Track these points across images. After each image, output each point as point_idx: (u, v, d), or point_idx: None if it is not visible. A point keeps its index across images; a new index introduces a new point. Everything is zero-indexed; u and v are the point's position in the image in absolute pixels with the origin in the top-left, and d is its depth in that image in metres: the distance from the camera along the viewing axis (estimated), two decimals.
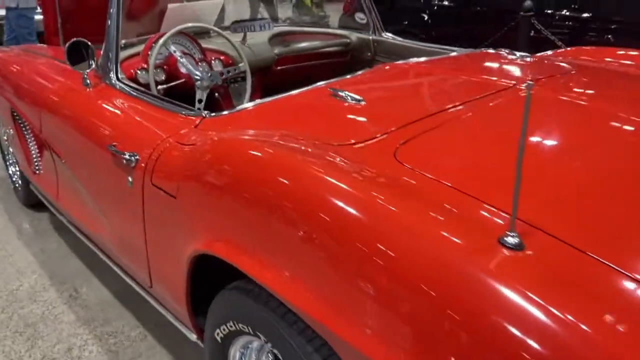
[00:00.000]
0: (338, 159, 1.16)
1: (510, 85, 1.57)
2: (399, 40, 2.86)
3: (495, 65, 1.99)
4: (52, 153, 2.33)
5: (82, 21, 3.37)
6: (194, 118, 1.62)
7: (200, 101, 2.30)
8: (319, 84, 1.72)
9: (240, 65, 2.42)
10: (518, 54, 2.08)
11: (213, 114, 1.62)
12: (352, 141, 1.27)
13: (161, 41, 2.20)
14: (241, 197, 1.20)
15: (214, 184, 1.28)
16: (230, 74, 2.39)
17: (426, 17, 4.54)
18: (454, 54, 2.19)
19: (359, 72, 1.85)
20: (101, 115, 1.92)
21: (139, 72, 2.28)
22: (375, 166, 1.13)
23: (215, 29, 2.43)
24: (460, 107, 1.43)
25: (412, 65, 1.92)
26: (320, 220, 1.01)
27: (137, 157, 1.59)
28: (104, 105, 1.98)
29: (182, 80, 2.29)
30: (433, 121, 1.35)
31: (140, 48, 2.47)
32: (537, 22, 3.35)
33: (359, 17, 3.02)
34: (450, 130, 1.32)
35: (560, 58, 2.12)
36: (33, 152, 2.62)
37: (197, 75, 2.26)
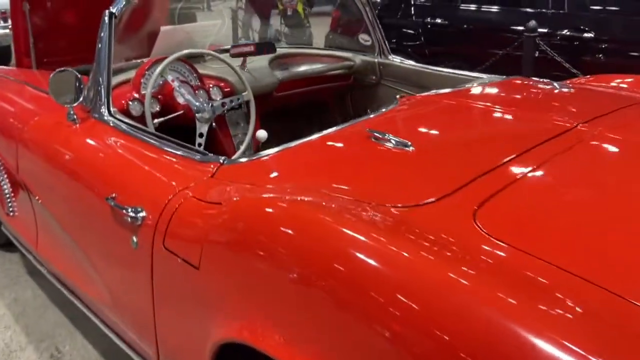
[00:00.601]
0: (411, 234, 0.94)
1: (572, 125, 1.39)
2: (407, 63, 2.69)
3: (540, 98, 1.81)
4: (30, 195, 2.05)
5: (57, 40, 3.10)
6: (209, 164, 1.39)
7: (201, 135, 2.06)
8: (351, 123, 1.51)
9: (244, 94, 2.19)
10: (555, 83, 1.91)
11: (232, 161, 1.39)
12: (416, 202, 1.05)
13: (158, 69, 1.96)
14: (286, 275, 0.98)
15: (254, 257, 1.05)
16: (234, 104, 2.16)
17: (417, 35, 4.41)
18: (480, 81, 2.02)
19: (392, 106, 1.64)
20: (93, 157, 1.66)
21: (131, 103, 2.03)
22: (460, 241, 0.93)
23: (218, 55, 2.20)
24: (526, 155, 1.24)
25: (448, 98, 1.73)
26: (402, 319, 0.80)
27: (144, 213, 1.34)
28: (95, 144, 1.72)
29: (180, 112, 2.05)
30: (503, 174, 1.15)
31: (129, 74, 2.22)
32: (543, 44, 3.24)
33: (363, 38, 2.84)
34: (529, 186, 1.12)
35: (605, 88, 1.96)
36: (6, 190, 2.32)
37: (197, 106, 2.03)
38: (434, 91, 1.83)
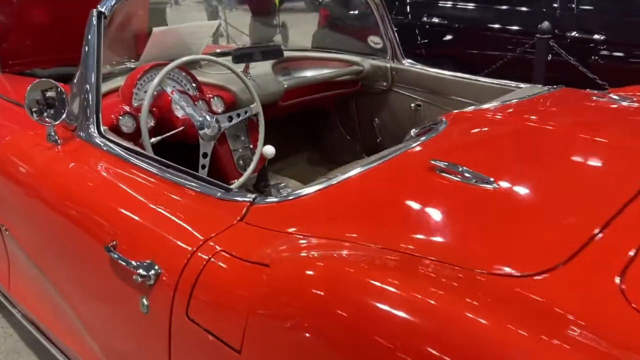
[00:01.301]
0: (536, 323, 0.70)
1: None
2: (422, 68, 2.45)
3: (617, 116, 1.56)
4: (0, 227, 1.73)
5: (24, 39, 2.75)
6: (235, 204, 1.12)
7: (205, 155, 1.77)
8: (402, 148, 1.25)
9: (252, 106, 1.91)
10: (613, 95, 1.69)
11: (265, 199, 1.12)
12: (527, 270, 0.81)
13: (157, 79, 1.66)
14: None
15: (326, 342, 0.79)
16: (241, 118, 1.88)
17: (413, 36, 4.18)
18: (522, 92, 1.78)
19: (441, 126, 1.39)
20: (82, 190, 1.36)
21: (121, 118, 1.72)
22: (610, 332, 0.69)
23: (225, 63, 1.91)
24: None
25: (506, 116, 1.49)
26: None
27: (158, 270, 1.06)
28: (84, 173, 1.42)
29: (180, 128, 1.76)
30: (628, 226, 0.91)
31: (115, 82, 1.91)
32: (558, 46, 3.06)
33: (373, 40, 2.59)
34: None
35: None
36: None
37: (200, 121, 1.74)
38: (481, 106, 1.60)
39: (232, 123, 1.83)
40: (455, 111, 1.59)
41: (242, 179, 1.89)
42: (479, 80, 2.20)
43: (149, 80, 1.85)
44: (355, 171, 1.14)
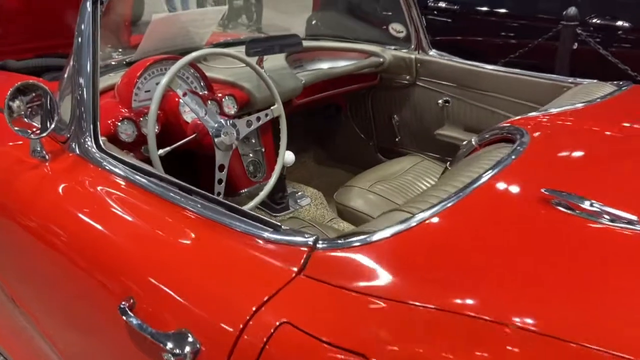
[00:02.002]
0: None
1: None
2: (451, 59, 2.19)
3: None
4: None
5: None
6: (291, 248, 0.86)
7: (222, 168, 1.49)
8: (495, 170, 1.00)
9: (273, 108, 1.63)
10: None
11: (330, 242, 0.85)
12: None
13: (165, 80, 1.38)
14: None
15: None
16: (261, 122, 1.60)
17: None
18: (596, 92, 1.54)
19: (525, 140, 1.13)
20: (80, 223, 1.08)
21: (120, 125, 1.44)
22: None
23: (244, 58, 1.61)
24: None
25: (598, 125, 1.24)
26: None
27: (195, 344, 0.80)
28: (81, 200, 1.13)
29: (192, 136, 1.48)
30: None
31: (110, 80, 1.61)
32: (585, 34, 2.83)
33: (395, 28, 2.32)
34: None
35: None
36: None
37: (215, 128, 1.46)
38: (550, 110, 1.35)
39: (251, 128, 1.56)
40: (519, 117, 1.34)
41: (262, 195, 1.62)
42: (520, 74, 1.96)
43: (151, 77, 1.56)
44: (439, 206, 0.89)
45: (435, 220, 0.86)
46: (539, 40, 3.05)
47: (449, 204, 0.89)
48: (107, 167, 1.16)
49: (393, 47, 2.32)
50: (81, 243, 1.06)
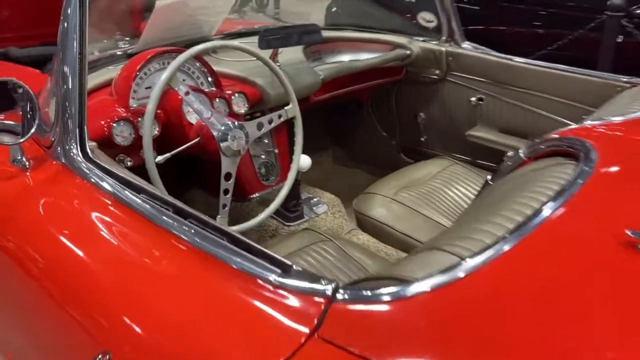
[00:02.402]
0: None
1: None
2: (486, 52, 1.98)
3: None
4: None
5: None
6: (304, 298, 0.68)
7: (229, 177, 1.32)
8: (559, 204, 0.80)
9: (288, 108, 1.45)
10: None
11: (350, 295, 0.68)
12: None
13: (166, 76, 1.20)
14: None
15: None
16: (274, 124, 1.42)
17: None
18: None
19: (592, 154, 0.93)
20: (57, 249, 0.92)
21: (115, 126, 1.27)
22: None
23: (251, 49, 1.41)
24: None
25: None
26: None
27: None
28: (60, 219, 0.97)
29: (196, 140, 1.30)
30: None
31: (107, 74, 1.45)
32: (631, 26, 2.58)
33: (425, 17, 2.11)
34: None
35: None
36: None
37: (221, 131, 1.28)
38: (617, 117, 1.15)
39: (262, 132, 1.38)
40: (576, 126, 1.14)
41: (274, 205, 1.44)
42: (566, 71, 1.75)
43: (152, 72, 1.39)
44: (494, 250, 0.70)
45: (489, 269, 0.67)
46: (580, 32, 2.81)
47: (506, 247, 0.70)
48: (92, 180, 0.99)
49: (421, 39, 2.12)
50: (58, 272, 0.90)
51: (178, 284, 0.77)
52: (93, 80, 1.40)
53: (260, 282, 0.72)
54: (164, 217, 0.85)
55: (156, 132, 1.33)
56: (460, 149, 2.17)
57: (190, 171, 1.63)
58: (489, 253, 0.69)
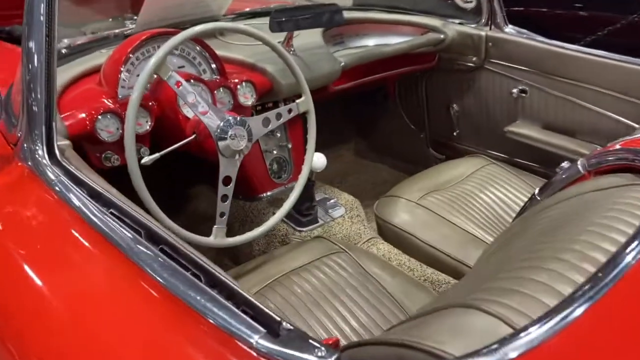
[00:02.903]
0: None
1: None
2: (532, 38, 1.74)
3: None
4: None
5: None
6: None
7: (228, 181, 1.14)
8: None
9: (299, 101, 1.26)
10: None
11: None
12: None
13: (152, 63, 1.01)
14: None
15: None
16: (282, 120, 1.23)
17: None
18: None
19: None
20: (8, 270, 0.76)
21: (100, 119, 1.10)
22: None
23: (258, 33, 1.20)
24: None
25: None
26: None
27: None
28: (21, 235, 0.82)
29: (191, 137, 1.12)
30: None
31: (99, 58, 1.28)
32: None
33: None
34: None
35: None
36: None
37: (220, 128, 1.09)
38: None
39: (268, 128, 1.19)
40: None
41: (283, 210, 1.26)
42: (628, 62, 1.51)
43: (146, 57, 1.21)
44: (559, 317, 0.50)
45: (556, 344, 0.48)
46: (636, 17, 2.52)
47: (581, 310, 0.50)
48: (57, 189, 0.83)
49: (458, 21, 1.88)
50: (6, 303, 0.74)
51: (140, 345, 0.60)
52: (81, 65, 1.24)
53: (239, 343, 0.55)
54: (132, 245, 0.68)
55: (148, 127, 1.16)
56: (498, 146, 1.95)
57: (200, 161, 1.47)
58: (554, 321, 0.49)
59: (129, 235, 0.70)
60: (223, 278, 0.62)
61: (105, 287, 0.68)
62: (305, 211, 1.52)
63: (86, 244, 0.73)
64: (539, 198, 1.00)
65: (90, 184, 0.81)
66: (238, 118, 1.11)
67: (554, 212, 0.82)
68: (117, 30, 1.42)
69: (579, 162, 0.93)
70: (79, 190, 0.80)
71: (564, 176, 0.96)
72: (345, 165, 2.36)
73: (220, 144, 1.08)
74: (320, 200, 1.63)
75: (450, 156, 2.18)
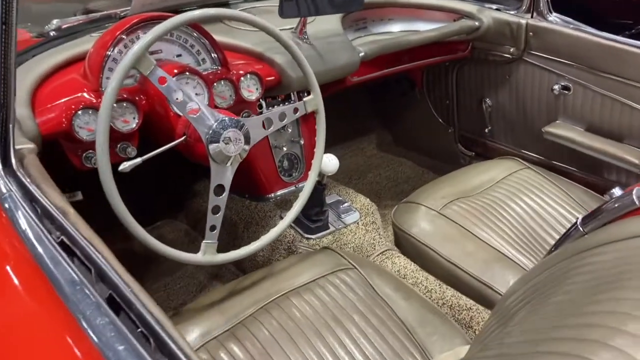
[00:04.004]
0: None
1: None
2: (579, 28, 1.54)
3: None
4: None
5: None
6: None
7: (221, 190, 1.00)
8: None
9: (307, 99, 1.10)
10: None
11: None
12: None
13: (130, 56, 0.87)
14: None
15: None
16: (286, 121, 1.08)
17: None
18: None
19: None
20: None
21: (80, 115, 0.98)
22: None
23: (260, 21, 1.03)
24: None
25: None
26: None
27: None
28: None
29: (181, 139, 0.99)
30: None
31: (88, 44, 1.14)
32: None
33: None
34: None
35: None
36: None
37: (211, 128, 0.95)
38: None
39: (269, 131, 1.04)
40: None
41: (289, 217, 1.11)
42: None
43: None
44: None
45: None
46: None
47: None
48: (6, 206, 0.71)
49: (495, 7, 1.69)
50: None
51: None
52: (67, 51, 1.11)
53: None
54: (71, 289, 0.56)
55: (134, 126, 1.03)
56: (534, 146, 1.76)
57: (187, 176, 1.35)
58: None
59: (73, 274, 0.58)
60: (177, 351, 0.48)
61: (21, 335, 0.56)
62: (314, 217, 1.39)
63: (15, 281, 0.61)
64: (582, 229, 0.84)
65: (44, 203, 0.69)
66: (235, 119, 0.97)
67: (606, 257, 0.65)
68: (112, 11, 1.29)
69: (634, 192, 0.76)
70: (29, 210, 0.68)
71: (615, 205, 0.79)
72: (366, 160, 2.21)
73: (212, 148, 0.95)
74: (332, 204, 1.49)
75: (480, 154, 2.00)
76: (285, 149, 1.49)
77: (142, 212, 1.78)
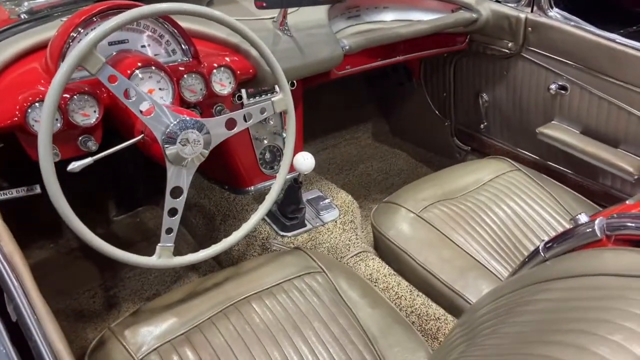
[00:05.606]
0: None
1: None
2: (580, 25, 1.45)
3: None
4: None
5: None
6: None
7: (177, 193, 0.97)
8: None
9: (276, 99, 1.05)
10: None
11: None
12: None
13: (76, 51, 0.83)
14: None
15: None
16: (251, 122, 1.03)
17: None
18: None
19: None
20: None
21: (36, 106, 0.95)
22: None
23: (221, 16, 0.97)
24: None
25: None
26: None
27: None
28: None
29: (139, 138, 0.96)
30: None
31: (48, 33, 1.10)
32: None
33: None
34: None
35: None
36: None
37: (168, 127, 0.92)
38: None
39: (233, 132, 1.00)
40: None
41: (259, 214, 1.08)
42: None
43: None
44: None
45: None
46: None
47: None
48: None
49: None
50: None
51: None
52: (31, 37, 1.07)
53: None
54: None
55: (94, 120, 1.00)
56: (529, 146, 1.70)
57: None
58: None
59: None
60: None
61: None
62: (290, 214, 1.35)
63: None
64: (543, 255, 0.79)
65: None
66: (195, 120, 0.93)
67: (557, 294, 0.61)
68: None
69: (596, 223, 0.71)
70: None
71: (578, 233, 0.75)
72: (360, 150, 2.16)
73: (168, 149, 0.91)
74: (312, 200, 1.46)
75: (475, 149, 1.94)
76: (266, 141, 1.45)
77: (125, 196, 1.77)
